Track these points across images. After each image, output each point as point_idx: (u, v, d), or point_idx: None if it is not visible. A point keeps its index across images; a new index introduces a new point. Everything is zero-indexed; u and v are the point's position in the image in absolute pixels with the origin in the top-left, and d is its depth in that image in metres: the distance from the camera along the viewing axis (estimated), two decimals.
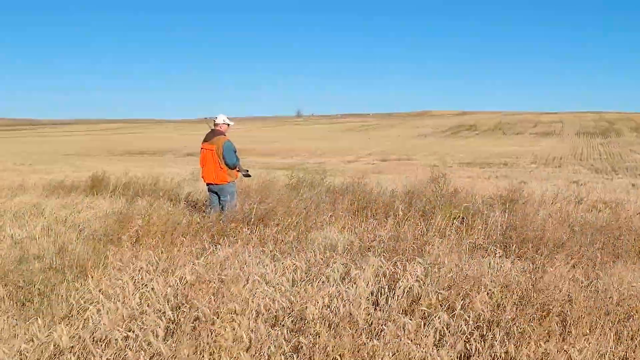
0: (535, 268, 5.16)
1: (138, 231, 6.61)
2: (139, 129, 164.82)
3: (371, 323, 4.19)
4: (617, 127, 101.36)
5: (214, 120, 8.65)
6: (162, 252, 5.84)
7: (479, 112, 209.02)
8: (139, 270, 5.26)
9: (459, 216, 8.08)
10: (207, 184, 8.65)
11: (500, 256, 6.15)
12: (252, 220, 7.56)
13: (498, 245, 6.66)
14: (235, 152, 8.52)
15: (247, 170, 8.92)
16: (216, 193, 8.60)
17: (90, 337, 3.88)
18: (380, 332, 3.97)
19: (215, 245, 6.40)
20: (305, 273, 5.36)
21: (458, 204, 8.59)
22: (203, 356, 3.74)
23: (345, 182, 12.05)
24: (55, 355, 3.79)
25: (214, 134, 8.58)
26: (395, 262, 5.35)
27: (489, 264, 5.53)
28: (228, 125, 8.69)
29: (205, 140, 8.58)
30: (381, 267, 5.30)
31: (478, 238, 7.27)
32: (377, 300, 4.64)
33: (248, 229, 7.28)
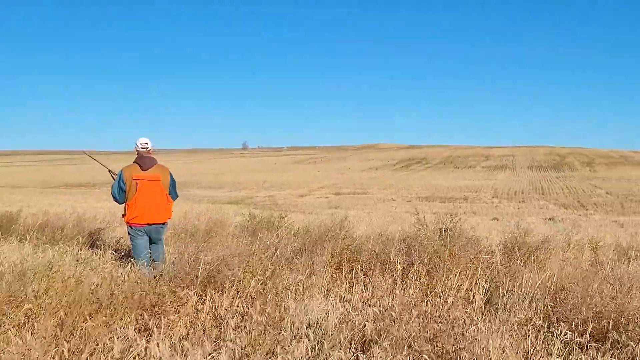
0: None
1: (29, 310, 4.27)
2: (80, 161, 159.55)
3: None
4: (568, 160, 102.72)
5: (137, 146, 6.49)
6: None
7: (426, 145, 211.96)
8: None
9: (482, 275, 6.10)
10: (147, 225, 6.37)
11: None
12: (200, 279, 5.34)
13: (558, 321, 4.68)
14: None
15: None
16: (149, 237, 6.43)
17: None
18: None
19: (146, 333, 4.16)
20: None
21: (472, 256, 6.56)
22: None
23: (315, 223, 9.89)
24: None
25: (151, 161, 6.46)
26: None
27: None
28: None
29: (142, 169, 6.36)
30: None
31: (521, 309, 5.24)
32: None
33: (194, 292, 5.09)
